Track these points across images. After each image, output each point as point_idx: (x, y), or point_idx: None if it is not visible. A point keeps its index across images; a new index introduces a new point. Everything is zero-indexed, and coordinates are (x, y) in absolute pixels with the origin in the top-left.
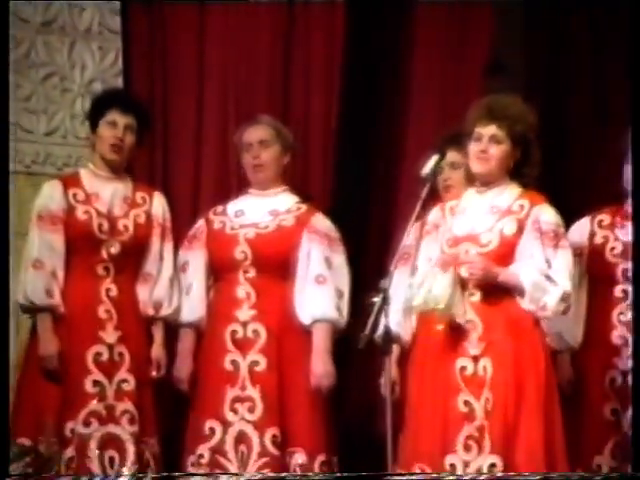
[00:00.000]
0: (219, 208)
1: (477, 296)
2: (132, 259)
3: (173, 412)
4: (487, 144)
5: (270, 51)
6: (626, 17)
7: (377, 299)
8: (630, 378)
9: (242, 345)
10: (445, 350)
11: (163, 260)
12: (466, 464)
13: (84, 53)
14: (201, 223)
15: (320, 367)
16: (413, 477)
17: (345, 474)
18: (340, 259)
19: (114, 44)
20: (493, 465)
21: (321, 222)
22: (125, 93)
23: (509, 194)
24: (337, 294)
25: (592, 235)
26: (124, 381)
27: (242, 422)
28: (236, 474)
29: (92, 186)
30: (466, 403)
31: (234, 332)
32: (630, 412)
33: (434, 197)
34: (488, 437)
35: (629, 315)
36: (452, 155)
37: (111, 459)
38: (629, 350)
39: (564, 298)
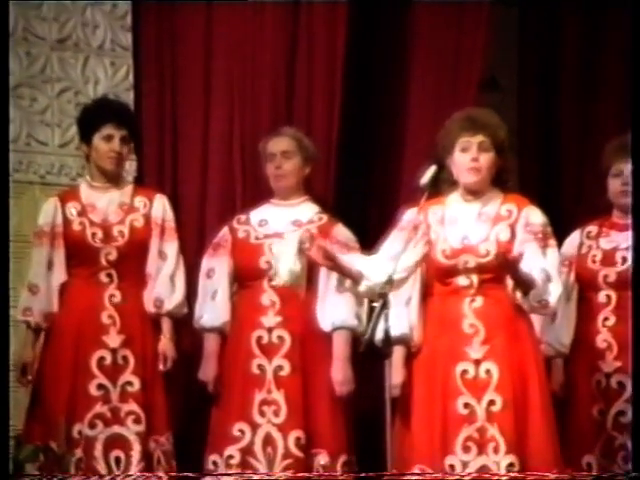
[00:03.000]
0: (242, 217)
1: (479, 301)
2: (133, 264)
3: (190, 410)
4: (477, 152)
5: (273, 62)
6: (620, 35)
7: (377, 304)
8: (630, 382)
9: (268, 350)
10: (446, 354)
11: (164, 258)
12: (465, 465)
13: (97, 68)
14: (225, 231)
15: (340, 374)
16: (414, 477)
17: (369, 474)
18: None
19: (125, 60)
20: (511, 465)
21: (342, 232)
22: (118, 105)
23: (494, 200)
24: (357, 302)
25: (580, 245)
26: (129, 383)
27: (269, 425)
28: (260, 473)
29: (89, 197)
30: (466, 405)
31: (260, 338)
32: (614, 411)
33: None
34: (502, 438)
35: (613, 319)
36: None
37: (117, 459)
38: (613, 353)
39: (560, 297)
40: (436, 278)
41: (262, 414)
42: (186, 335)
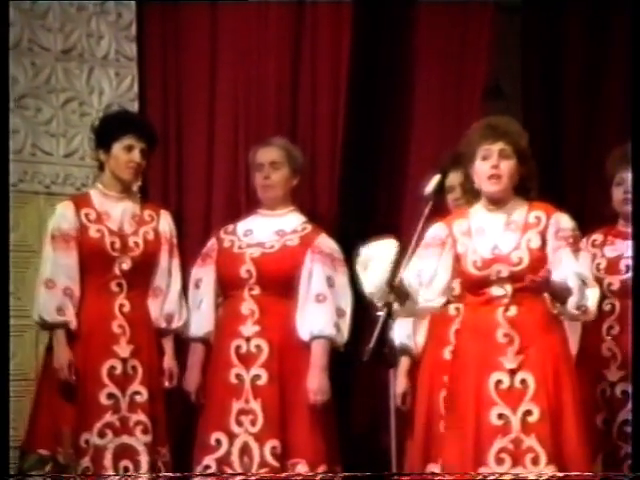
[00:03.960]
0: (230, 227)
1: (513, 310)
2: (142, 275)
3: (184, 423)
4: (497, 160)
5: (278, 69)
6: (624, 43)
7: (382, 313)
8: (630, 387)
9: (246, 359)
10: (480, 364)
11: (171, 275)
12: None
13: (101, 79)
14: (213, 241)
15: (315, 383)
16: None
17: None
18: (343, 279)
19: (130, 70)
20: (553, 475)
21: (325, 242)
22: (140, 118)
23: (520, 209)
24: (337, 313)
25: None
26: (137, 393)
27: (246, 434)
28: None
29: (102, 205)
30: (500, 416)
31: (238, 347)
32: (619, 420)
33: (437, 215)
34: (542, 448)
35: (617, 328)
36: (459, 176)
37: (125, 469)
38: (617, 362)
39: (598, 301)
40: (467, 289)
41: (239, 424)
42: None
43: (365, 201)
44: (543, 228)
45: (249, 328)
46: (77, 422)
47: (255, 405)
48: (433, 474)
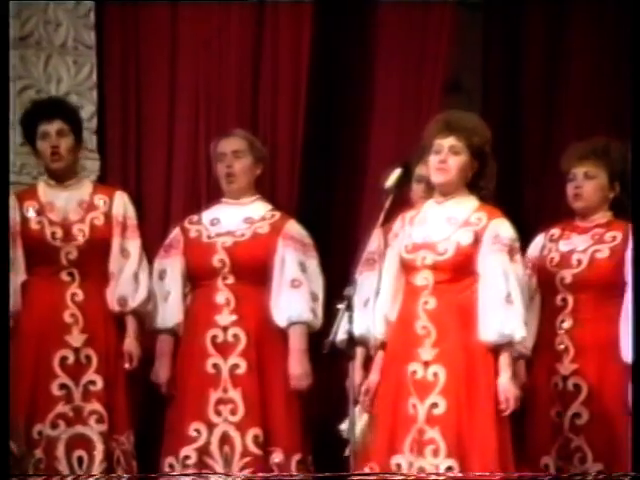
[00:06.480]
0: (194, 217)
1: (432, 303)
2: (95, 262)
3: (148, 410)
4: (446, 155)
5: (240, 55)
6: (584, 39)
7: (342, 306)
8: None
9: (223, 349)
10: (401, 354)
11: (127, 256)
12: (411, 465)
13: (59, 67)
14: (177, 232)
15: (298, 368)
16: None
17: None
18: (314, 264)
19: (88, 58)
20: (450, 468)
21: (295, 228)
22: (47, 101)
23: (467, 206)
24: (312, 297)
25: (542, 248)
26: (92, 382)
27: (225, 423)
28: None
29: (47, 196)
30: (414, 406)
31: (215, 337)
32: (570, 413)
33: (397, 208)
34: (443, 441)
35: (569, 322)
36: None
37: (79, 459)
38: (570, 356)
39: (521, 324)
40: (403, 277)
41: (218, 413)
42: (149, 335)
43: (325, 194)
44: (481, 229)
45: (225, 317)
46: (29, 414)
47: (235, 394)
48: (392, 473)
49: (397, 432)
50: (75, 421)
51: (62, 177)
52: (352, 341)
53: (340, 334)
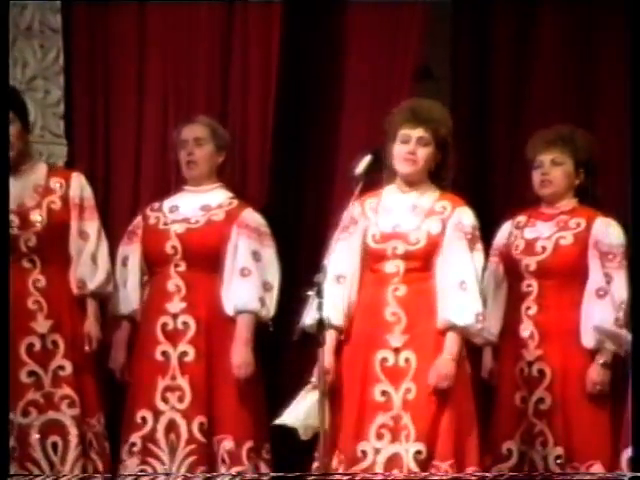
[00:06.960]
0: (156, 204)
1: (402, 290)
2: (56, 247)
3: (114, 399)
4: (415, 146)
5: (209, 50)
6: (553, 28)
7: (312, 292)
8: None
9: (172, 336)
10: (367, 341)
11: (85, 238)
12: (377, 451)
13: (25, 51)
14: (139, 219)
15: (238, 357)
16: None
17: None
18: (270, 253)
19: (55, 42)
20: (419, 452)
21: (251, 216)
22: None
23: (430, 195)
24: (264, 287)
25: (509, 235)
26: (61, 368)
27: (172, 411)
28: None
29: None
30: (383, 393)
31: (165, 324)
32: (534, 398)
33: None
34: (413, 425)
35: (534, 309)
36: None
37: (54, 445)
38: (535, 342)
39: (478, 316)
40: (367, 265)
41: (165, 401)
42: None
43: (296, 184)
44: (446, 217)
45: (176, 305)
46: None
47: (182, 382)
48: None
49: (363, 419)
50: (47, 407)
51: (14, 163)
52: (322, 327)
53: (308, 319)
